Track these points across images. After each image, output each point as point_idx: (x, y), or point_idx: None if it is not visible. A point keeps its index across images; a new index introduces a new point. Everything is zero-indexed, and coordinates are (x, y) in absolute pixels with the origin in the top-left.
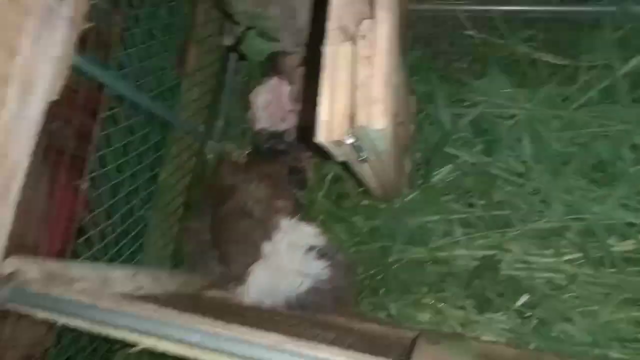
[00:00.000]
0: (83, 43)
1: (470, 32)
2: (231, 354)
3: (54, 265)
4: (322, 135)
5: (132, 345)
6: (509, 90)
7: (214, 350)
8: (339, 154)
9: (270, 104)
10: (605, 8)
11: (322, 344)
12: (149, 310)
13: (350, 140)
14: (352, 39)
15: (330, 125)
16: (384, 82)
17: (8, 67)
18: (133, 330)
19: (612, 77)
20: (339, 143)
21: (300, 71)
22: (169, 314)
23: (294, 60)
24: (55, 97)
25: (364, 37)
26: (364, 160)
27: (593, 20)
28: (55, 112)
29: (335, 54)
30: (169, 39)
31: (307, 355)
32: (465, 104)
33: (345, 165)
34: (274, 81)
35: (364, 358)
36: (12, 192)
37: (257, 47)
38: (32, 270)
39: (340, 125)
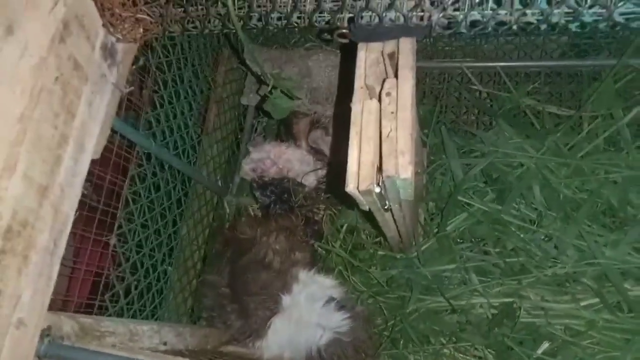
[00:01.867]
0: (118, 105)
1: (477, 86)
2: None
3: (86, 320)
4: (351, 185)
5: None
6: (516, 140)
7: None
8: (365, 203)
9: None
10: (605, 62)
11: None
12: None
13: (377, 190)
14: (377, 96)
15: (358, 176)
16: (408, 135)
17: (68, 129)
18: None
19: (615, 125)
20: (367, 192)
21: (308, 133)
22: None
23: (304, 124)
24: (97, 156)
25: (388, 94)
26: (388, 209)
27: (594, 72)
28: (90, 170)
29: (362, 110)
30: (192, 99)
31: None
32: (474, 154)
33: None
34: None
35: None
36: (60, 248)
37: (280, 105)
38: (66, 324)
39: (368, 175)
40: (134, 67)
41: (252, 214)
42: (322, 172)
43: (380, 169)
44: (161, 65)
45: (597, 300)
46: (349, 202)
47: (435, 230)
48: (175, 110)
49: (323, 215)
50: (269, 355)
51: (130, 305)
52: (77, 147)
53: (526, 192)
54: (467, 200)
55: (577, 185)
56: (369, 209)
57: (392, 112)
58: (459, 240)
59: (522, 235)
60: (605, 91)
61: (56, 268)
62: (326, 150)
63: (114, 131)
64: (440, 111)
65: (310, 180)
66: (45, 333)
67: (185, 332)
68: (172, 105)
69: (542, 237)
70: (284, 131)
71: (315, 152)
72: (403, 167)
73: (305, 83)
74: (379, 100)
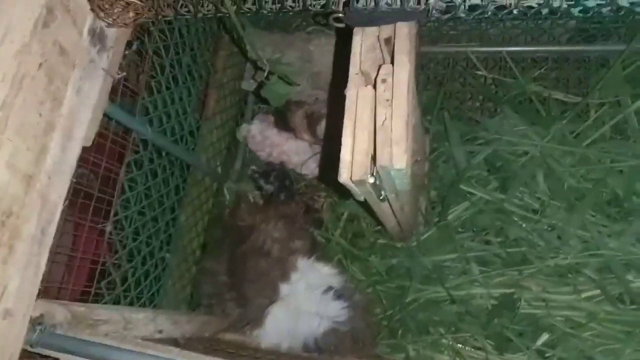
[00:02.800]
0: (113, 91)
1: (482, 72)
2: None
3: (79, 309)
4: (345, 175)
5: None
6: (521, 127)
7: None
8: (360, 193)
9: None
10: (614, 47)
11: None
12: (172, 353)
13: (371, 180)
14: (372, 82)
15: (352, 165)
16: (404, 123)
17: (54, 116)
18: None
19: (622, 113)
20: (361, 182)
21: (309, 125)
22: (191, 357)
23: (300, 117)
24: (89, 144)
25: (384, 81)
26: (384, 200)
27: (602, 58)
28: (84, 157)
29: (356, 98)
30: (190, 84)
31: None
32: (478, 142)
33: (361, 205)
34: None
35: None
36: (49, 235)
37: (277, 91)
38: (58, 313)
39: (362, 165)
40: (126, 52)
41: (252, 200)
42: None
43: (374, 159)
44: (158, 50)
45: (598, 292)
46: (344, 191)
47: (437, 219)
48: (173, 95)
49: (323, 204)
50: (266, 344)
51: (127, 293)
52: (64, 134)
53: (530, 181)
54: (470, 189)
55: (582, 174)
56: (365, 199)
57: (388, 100)
58: (460, 229)
59: (524, 225)
60: (613, 78)
61: (45, 257)
62: None
63: (109, 117)
64: (444, 97)
65: (312, 168)
66: (37, 322)
67: (182, 319)
68: (170, 91)
69: (545, 227)
70: (281, 123)
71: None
72: (397, 157)
73: (306, 68)
74: (374, 87)
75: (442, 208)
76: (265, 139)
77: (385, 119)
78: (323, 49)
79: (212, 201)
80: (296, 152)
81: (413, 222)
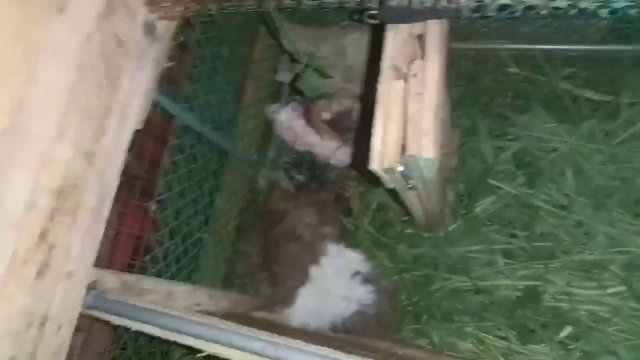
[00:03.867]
0: (160, 80)
1: (513, 69)
2: None
3: (128, 277)
4: (375, 163)
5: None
6: (551, 125)
7: (274, 358)
8: (389, 181)
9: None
10: None
11: None
12: (213, 321)
13: (400, 168)
14: (404, 77)
15: (382, 154)
16: (433, 115)
17: (111, 101)
18: (200, 337)
19: None
20: (390, 171)
21: (327, 125)
22: (231, 325)
23: (319, 111)
24: (139, 127)
25: (415, 75)
26: (412, 188)
27: (635, 58)
28: (134, 140)
29: (388, 91)
30: (229, 74)
31: None
32: (507, 137)
33: (390, 194)
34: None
35: None
36: (105, 209)
37: (312, 83)
38: (110, 280)
39: (392, 154)
40: (174, 43)
41: (285, 188)
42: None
43: (404, 149)
44: (200, 42)
45: (623, 288)
46: (375, 180)
47: (464, 211)
48: (213, 85)
49: (353, 193)
50: (296, 323)
51: (168, 268)
52: (120, 117)
53: (558, 178)
54: (497, 183)
55: (610, 172)
56: (393, 187)
57: (418, 93)
58: (487, 222)
59: (551, 220)
60: None
61: (102, 228)
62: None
63: (155, 104)
64: (474, 93)
65: (341, 158)
66: (92, 287)
67: (219, 295)
68: (210, 80)
69: (572, 223)
70: (309, 116)
71: (338, 134)
72: (426, 147)
73: (339, 62)
74: (406, 81)
75: (469, 201)
76: (290, 129)
77: (416, 111)
78: (356, 43)
79: (247, 187)
80: (319, 146)
81: (440, 213)
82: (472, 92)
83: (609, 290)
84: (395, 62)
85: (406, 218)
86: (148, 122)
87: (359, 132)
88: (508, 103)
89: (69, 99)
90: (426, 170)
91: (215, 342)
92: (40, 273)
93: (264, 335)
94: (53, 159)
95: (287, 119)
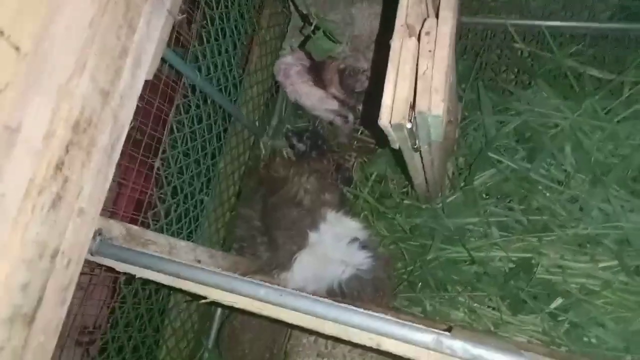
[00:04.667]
0: (170, 36)
1: (519, 45)
2: (294, 308)
3: (133, 227)
4: (384, 118)
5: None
6: (553, 101)
7: (277, 304)
8: (396, 140)
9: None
10: None
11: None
12: (216, 271)
13: (409, 125)
14: (416, 35)
15: (392, 110)
16: (444, 74)
17: (128, 42)
18: (205, 283)
19: None
20: (399, 127)
21: (337, 78)
22: (233, 276)
23: (332, 71)
24: (150, 78)
25: (428, 33)
26: (417, 149)
27: None
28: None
29: (400, 48)
30: (236, 38)
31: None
32: (509, 112)
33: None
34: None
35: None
36: (117, 151)
37: (321, 46)
38: (115, 228)
39: (402, 110)
40: None
41: (286, 156)
42: (355, 120)
43: (413, 106)
44: (210, 2)
45: (615, 262)
46: (381, 140)
47: (462, 184)
48: (220, 47)
49: (354, 163)
50: (293, 287)
51: (169, 226)
52: (134, 61)
53: (557, 153)
54: (497, 157)
55: (609, 149)
56: (399, 146)
57: (430, 51)
58: (484, 195)
59: (548, 195)
60: None
61: (112, 169)
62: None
63: (163, 60)
64: (480, 68)
65: (345, 129)
66: (97, 233)
67: (218, 255)
68: (217, 42)
69: (568, 198)
70: (314, 70)
71: (344, 99)
72: (435, 104)
73: (347, 30)
74: (418, 39)
75: (468, 174)
76: (286, 73)
77: (427, 68)
78: (365, 13)
79: (249, 153)
80: (319, 99)
81: (440, 183)
82: (477, 66)
83: (601, 265)
84: (408, 20)
85: (404, 190)
86: (156, 78)
87: (367, 94)
88: (513, 78)
89: (90, 33)
90: (433, 129)
91: (220, 288)
92: (54, 205)
93: (267, 284)
94: (72, 91)
95: (287, 63)
